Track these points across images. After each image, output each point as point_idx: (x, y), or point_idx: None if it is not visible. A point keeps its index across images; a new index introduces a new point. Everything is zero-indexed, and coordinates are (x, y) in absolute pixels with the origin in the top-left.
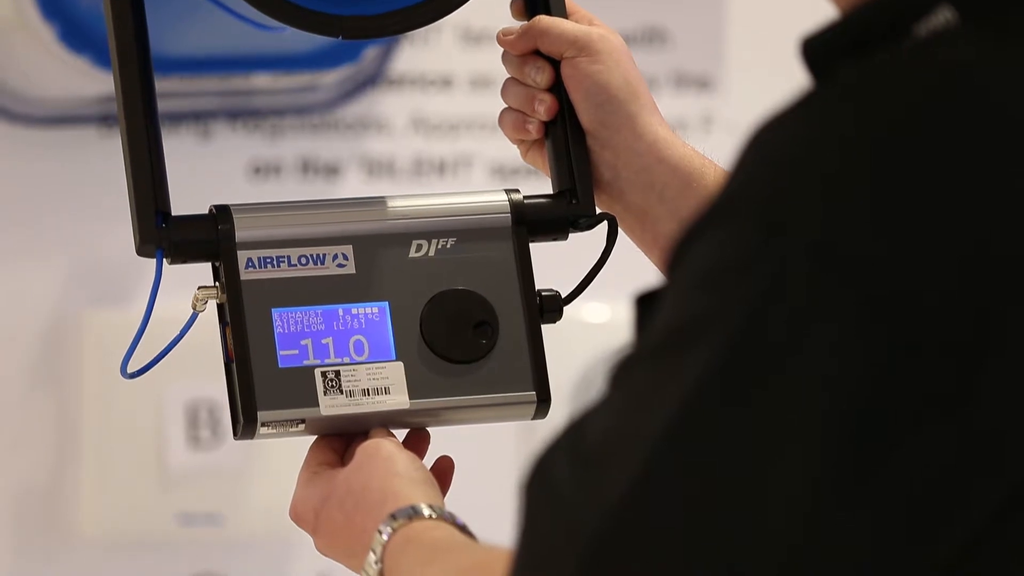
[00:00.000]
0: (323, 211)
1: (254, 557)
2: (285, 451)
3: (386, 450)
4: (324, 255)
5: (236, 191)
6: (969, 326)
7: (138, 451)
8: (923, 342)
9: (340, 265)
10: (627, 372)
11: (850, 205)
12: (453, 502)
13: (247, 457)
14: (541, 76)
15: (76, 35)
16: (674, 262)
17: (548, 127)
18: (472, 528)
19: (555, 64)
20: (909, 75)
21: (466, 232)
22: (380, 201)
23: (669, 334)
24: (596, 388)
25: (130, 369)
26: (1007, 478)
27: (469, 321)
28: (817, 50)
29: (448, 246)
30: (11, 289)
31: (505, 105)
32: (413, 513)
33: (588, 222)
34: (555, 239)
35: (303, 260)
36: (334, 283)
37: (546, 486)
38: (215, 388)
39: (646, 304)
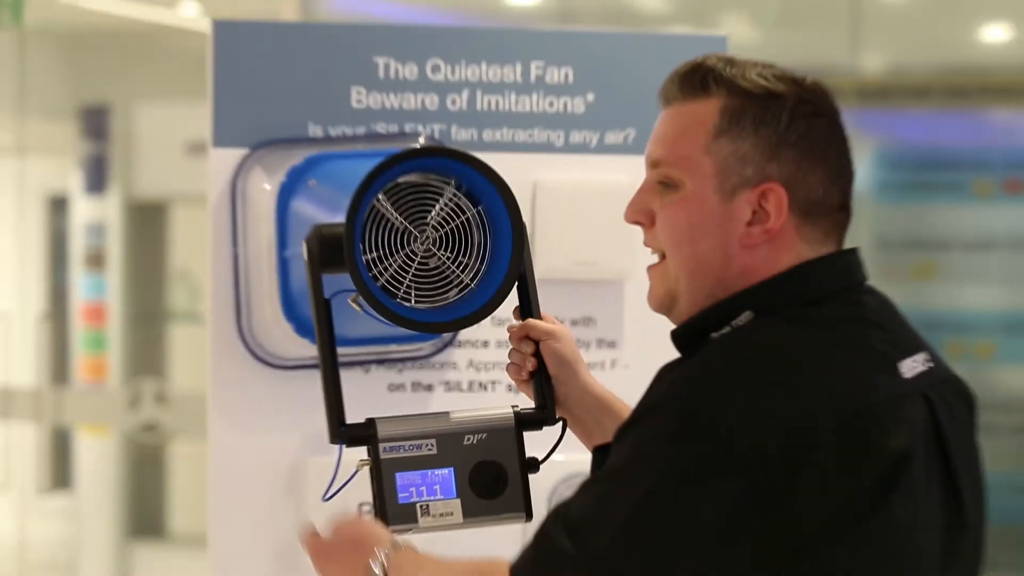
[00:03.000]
0: (419, 420)
1: None
2: None
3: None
4: (421, 444)
5: (379, 404)
6: (783, 468)
7: None
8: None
9: (429, 448)
10: (594, 485)
11: (713, 408)
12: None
13: None
14: (528, 349)
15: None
16: (617, 438)
17: (532, 375)
18: None
19: (536, 343)
20: (732, 343)
21: (491, 430)
22: (447, 415)
23: (621, 469)
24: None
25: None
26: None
27: (493, 475)
28: (678, 337)
29: (484, 437)
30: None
31: (508, 362)
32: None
33: (552, 422)
34: (535, 430)
35: (411, 447)
36: (426, 459)
37: (547, 537)
38: None
39: (600, 453)
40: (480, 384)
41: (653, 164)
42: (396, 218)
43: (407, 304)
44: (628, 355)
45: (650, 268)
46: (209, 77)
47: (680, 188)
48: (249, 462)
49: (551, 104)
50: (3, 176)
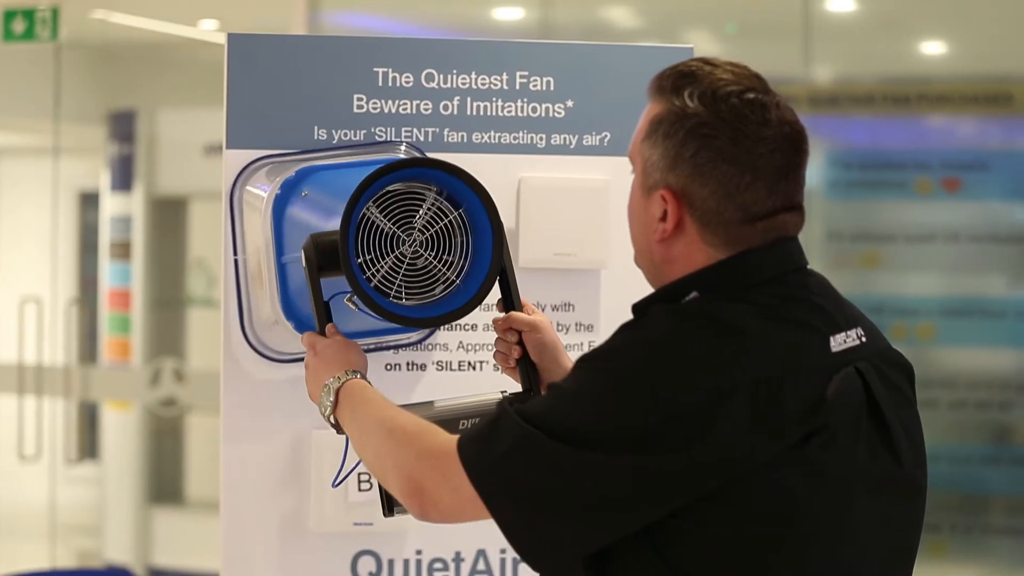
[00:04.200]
0: (418, 408)
1: None
2: None
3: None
4: None
5: (376, 383)
6: (698, 417)
7: None
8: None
9: None
10: (546, 396)
11: (650, 360)
12: None
13: None
14: (512, 338)
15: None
16: (572, 370)
17: (518, 362)
18: None
19: (519, 333)
20: (675, 312)
21: (484, 413)
22: (443, 401)
23: (569, 388)
24: None
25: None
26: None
27: None
28: (635, 308)
29: (477, 420)
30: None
31: (494, 350)
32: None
33: None
34: None
35: None
36: None
37: (503, 420)
38: None
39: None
40: (469, 364)
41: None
42: (385, 224)
43: (399, 302)
44: (604, 337)
45: None
46: (225, 85)
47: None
48: (257, 435)
49: (534, 109)
50: (39, 174)
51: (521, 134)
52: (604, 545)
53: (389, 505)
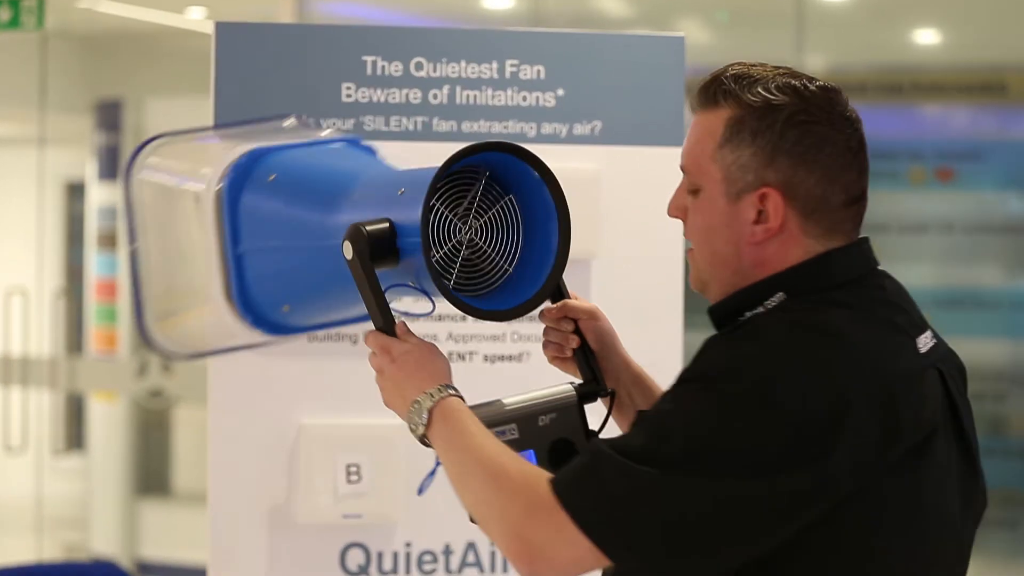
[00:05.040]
0: (496, 406)
1: None
2: None
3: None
4: (505, 430)
5: (369, 372)
6: (825, 431)
7: None
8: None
9: (512, 433)
10: (642, 426)
11: (767, 374)
12: None
13: None
14: (568, 327)
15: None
16: (666, 397)
17: (575, 352)
18: None
19: (575, 321)
20: (780, 319)
21: (559, 408)
22: (516, 398)
23: (672, 413)
24: None
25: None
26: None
27: (568, 452)
28: (715, 313)
29: (554, 417)
30: None
31: (544, 341)
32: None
33: (604, 394)
34: (590, 402)
35: (498, 433)
36: (511, 443)
37: (600, 457)
38: None
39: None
40: (459, 355)
41: (681, 169)
42: (445, 211)
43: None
44: None
45: (688, 254)
46: (212, 74)
47: (699, 192)
48: (245, 426)
49: (524, 98)
50: (25, 164)
51: (511, 123)
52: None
53: None
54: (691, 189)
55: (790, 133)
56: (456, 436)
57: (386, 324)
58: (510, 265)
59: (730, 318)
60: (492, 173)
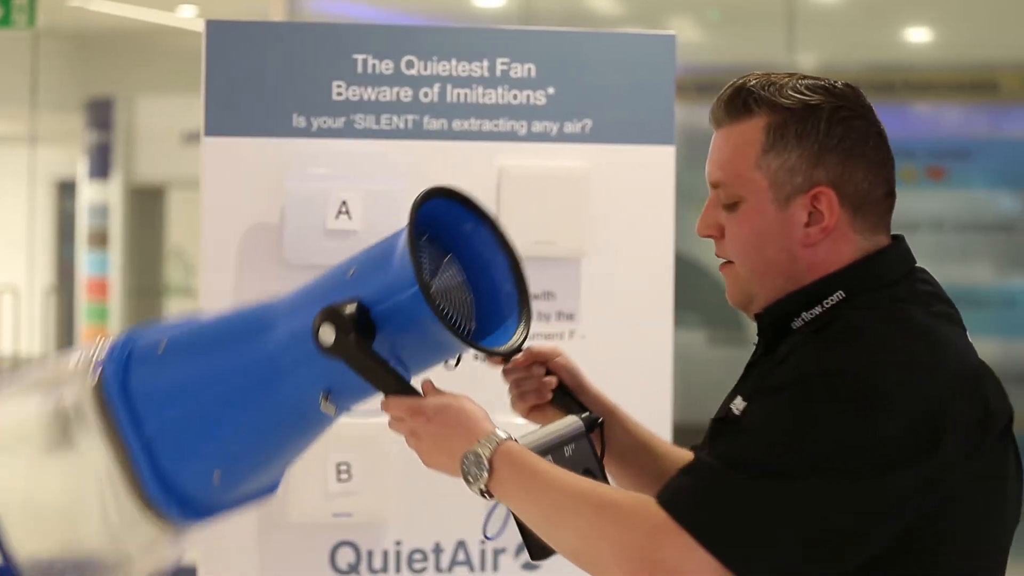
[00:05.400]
0: (533, 437)
1: None
2: None
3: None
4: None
5: None
6: (930, 432)
7: None
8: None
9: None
10: (741, 435)
11: (876, 372)
12: None
13: None
14: (541, 372)
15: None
16: (760, 403)
17: (555, 393)
18: None
19: (544, 364)
20: (868, 317)
21: (575, 439)
22: (541, 433)
23: (775, 421)
24: None
25: None
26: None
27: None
28: (766, 317)
29: (574, 448)
30: None
31: (514, 394)
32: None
33: (600, 424)
34: (594, 431)
35: None
36: None
37: (705, 471)
38: None
39: (717, 423)
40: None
41: (713, 185)
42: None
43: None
44: (584, 327)
45: (723, 269)
46: (203, 72)
47: (740, 204)
48: None
49: (515, 97)
50: (16, 163)
51: (502, 121)
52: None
53: (541, 550)
54: (729, 203)
55: (835, 130)
56: (532, 478)
57: (404, 386)
58: (470, 321)
59: (784, 321)
60: (432, 228)
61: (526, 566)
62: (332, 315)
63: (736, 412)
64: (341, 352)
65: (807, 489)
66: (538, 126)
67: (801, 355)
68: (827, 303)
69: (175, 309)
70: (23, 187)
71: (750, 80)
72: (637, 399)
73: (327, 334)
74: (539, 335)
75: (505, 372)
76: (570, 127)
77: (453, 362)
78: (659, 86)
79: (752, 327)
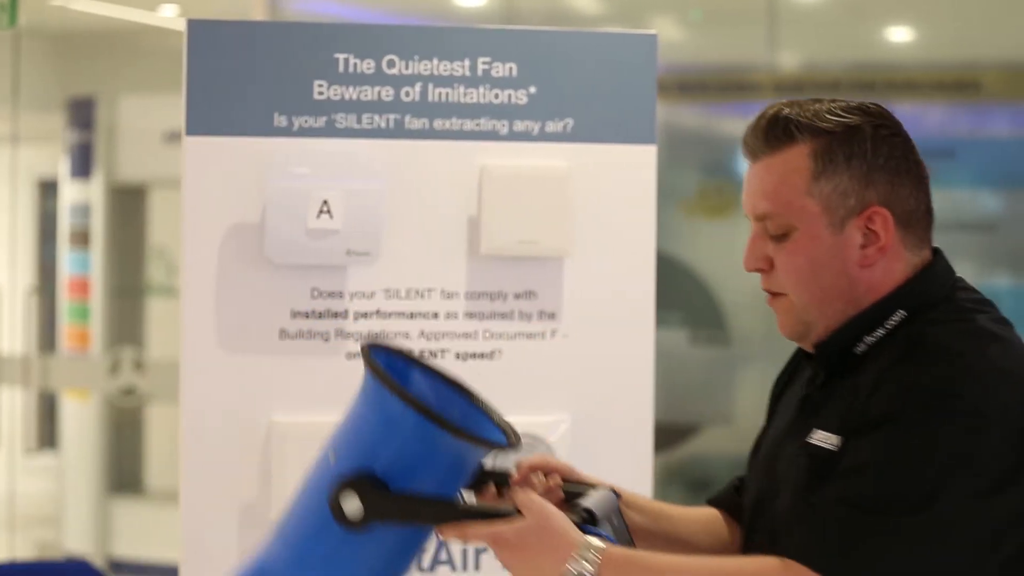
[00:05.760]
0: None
1: None
2: None
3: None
4: (603, 531)
5: (340, 372)
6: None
7: None
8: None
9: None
10: (856, 474)
11: (975, 391)
12: None
13: None
14: (540, 476)
15: None
16: (867, 438)
17: (564, 491)
18: None
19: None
20: (945, 334)
21: (614, 510)
22: (591, 503)
23: (893, 450)
24: None
25: None
26: None
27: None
28: (828, 347)
29: (615, 516)
30: None
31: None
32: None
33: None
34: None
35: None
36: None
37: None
38: None
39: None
40: (431, 352)
41: (759, 217)
42: None
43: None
44: (566, 326)
45: (773, 303)
46: (184, 71)
47: (791, 233)
48: (218, 424)
49: (496, 96)
50: None
51: (483, 121)
52: None
53: None
54: (778, 234)
55: (881, 149)
56: (647, 573)
57: (465, 513)
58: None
59: (847, 348)
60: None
61: None
62: (348, 484)
63: (829, 447)
64: (376, 517)
65: (944, 516)
66: (520, 125)
67: (896, 381)
68: (888, 324)
69: (157, 309)
70: (4, 187)
71: (783, 109)
72: (619, 398)
73: (351, 505)
74: (521, 335)
75: (508, 492)
76: (551, 126)
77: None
78: (641, 85)
79: (736, 325)
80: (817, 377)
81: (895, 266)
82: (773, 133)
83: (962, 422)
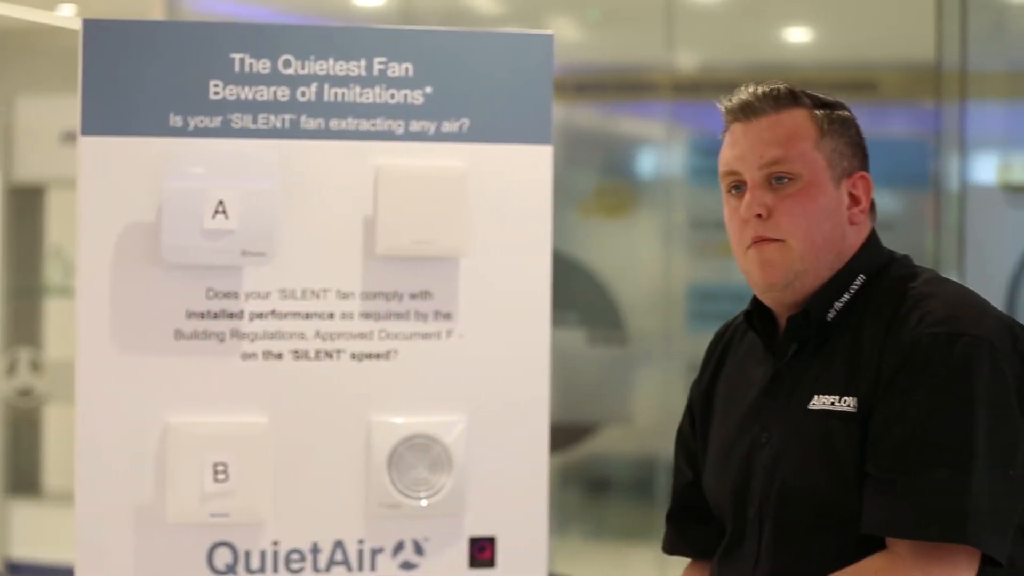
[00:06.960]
0: None
1: None
2: None
3: None
4: None
5: (232, 372)
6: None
7: None
8: None
9: None
10: (908, 423)
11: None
12: None
13: None
14: None
15: None
16: (902, 400)
17: None
18: None
19: None
20: (933, 289)
21: None
22: None
23: (941, 407)
24: None
25: None
26: None
27: None
28: (811, 314)
29: None
30: None
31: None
32: None
33: None
34: None
35: None
36: None
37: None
38: None
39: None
40: (326, 353)
41: (767, 164)
42: None
43: None
44: (462, 326)
45: (765, 245)
46: (80, 71)
47: (798, 180)
48: (113, 425)
49: (392, 96)
50: None
51: (379, 121)
52: None
53: None
54: (783, 177)
55: (857, 127)
56: None
57: None
58: None
59: (820, 316)
60: None
61: (403, 566)
62: None
63: (846, 408)
64: None
65: (1007, 437)
66: (416, 125)
67: (909, 341)
68: (852, 288)
69: (54, 309)
70: None
71: (776, 82)
72: (515, 398)
73: None
74: (417, 335)
75: None
76: (448, 126)
77: None
78: (537, 86)
79: (633, 325)
80: (783, 353)
81: (862, 231)
82: (775, 95)
83: (988, 358)
